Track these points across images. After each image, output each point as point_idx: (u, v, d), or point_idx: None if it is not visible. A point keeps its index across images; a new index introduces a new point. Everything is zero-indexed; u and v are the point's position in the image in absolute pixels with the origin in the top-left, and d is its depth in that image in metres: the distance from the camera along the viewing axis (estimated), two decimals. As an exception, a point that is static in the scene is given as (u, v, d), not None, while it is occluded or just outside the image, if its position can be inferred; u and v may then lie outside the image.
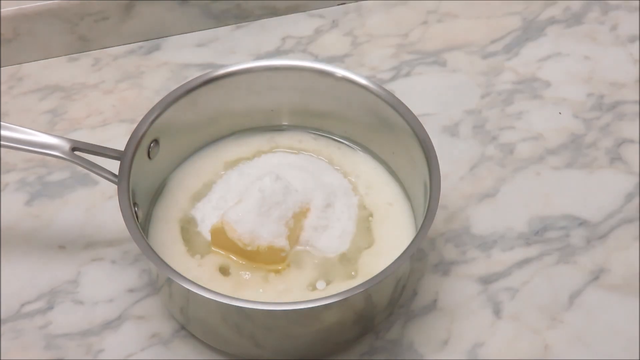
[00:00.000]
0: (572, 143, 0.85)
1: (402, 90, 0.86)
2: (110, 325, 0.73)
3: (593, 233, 0.79)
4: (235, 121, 0.79)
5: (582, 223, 0.79)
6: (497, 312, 0.74)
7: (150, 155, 0.73)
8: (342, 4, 0.96)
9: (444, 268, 0.76)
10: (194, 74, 0.84)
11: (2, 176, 0.81)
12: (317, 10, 0.96)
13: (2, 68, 0.90)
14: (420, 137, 0.71)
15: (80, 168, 0.74)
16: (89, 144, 0.71)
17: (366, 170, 0.78)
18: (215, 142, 0.79)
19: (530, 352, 0.72)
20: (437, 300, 0.74)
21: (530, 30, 0.94)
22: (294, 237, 0.71)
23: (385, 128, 0.75)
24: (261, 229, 0.69)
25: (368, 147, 0.79)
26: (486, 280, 0.76)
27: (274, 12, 0.95)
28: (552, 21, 0.95)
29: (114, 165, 0.70)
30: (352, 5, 0.96)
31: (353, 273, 0.71)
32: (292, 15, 0.95)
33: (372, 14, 0.96)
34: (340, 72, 0.75)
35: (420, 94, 0.88)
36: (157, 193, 0.76)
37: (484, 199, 0.81)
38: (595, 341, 0.72)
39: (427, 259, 0.77)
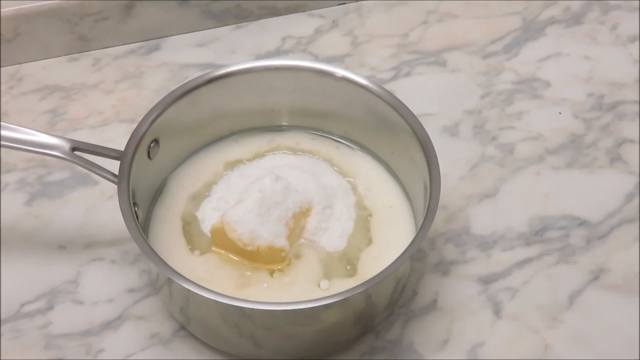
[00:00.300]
0: (572, 143, 0.85)
1: (402, 90, 0.86)
2: (110, 325, 0.73)
3: (593, 233, 0.79)
4: (235, 121, 0.79)
5: (582, 223, 0.79)
6: (497, 312, 0.74)
7: (150, 155, 0.73)
8: (342, 4, 0.96)
9: (444, 268, 0.76)
10: (194, 74, 0.85)
11: (2, 176, 0.81)
12: (317, 10, 0.96)
13: (2, 68, 0.90)
14: (420, 137, 0.71)
15: (80, 168, 0.74)
16: (89, 144, 0.71)
17: (366, 171, 0.78)
18: (215, 142, 0.79)
19: (530, 352, 0.72)
20: (437, 300, 0.74)
21: (530, 30, 0.94)
22: (294, 237, 0.71)
23: (385, 128, 0.75)
24: (261, 229, 0.69)
25: (368, 147, 0.79)
26: (486, 280, 0.76)
27: (274, 12, 0.95)
28: (552, 21, 0.95)
29: (114, 165, 0.70)
30: (352, 5, 0.96)
31: (351, 270, 0.71)
32: (292, 15, 0.95)
33: (372, 14, 0.95)
34: (340, 72, 0.75)
35: (420, 94, 0.88)
36: (157, 193, 0.76)
37: (484, 199, 0.81)
38: (595, 341, 0.72)
39: (427, 259, 0.77)
